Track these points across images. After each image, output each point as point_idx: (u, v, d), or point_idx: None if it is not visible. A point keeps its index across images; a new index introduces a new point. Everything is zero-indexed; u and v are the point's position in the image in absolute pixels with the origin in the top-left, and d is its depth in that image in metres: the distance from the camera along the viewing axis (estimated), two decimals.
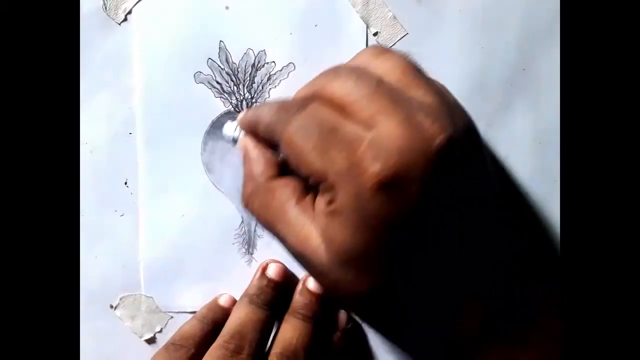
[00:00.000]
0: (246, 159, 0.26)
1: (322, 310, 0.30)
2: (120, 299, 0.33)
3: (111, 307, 0.32)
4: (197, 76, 0.31)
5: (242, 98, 0.31)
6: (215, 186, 0.32)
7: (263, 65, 0.31)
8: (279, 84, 0.31)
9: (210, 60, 0.31)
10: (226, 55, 0.31)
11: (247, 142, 0.26)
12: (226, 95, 0.31)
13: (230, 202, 0.32)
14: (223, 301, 0.31)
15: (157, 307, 0.33)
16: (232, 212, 0.32)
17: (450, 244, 0.22)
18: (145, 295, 0.33)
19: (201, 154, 0.32)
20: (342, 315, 0.31)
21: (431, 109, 0.21)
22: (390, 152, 0.20)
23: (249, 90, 0.31)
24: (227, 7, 0.31)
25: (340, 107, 0.22)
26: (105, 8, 0.30)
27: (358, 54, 0.25)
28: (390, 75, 0.23)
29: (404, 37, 0.31)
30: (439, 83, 0.25)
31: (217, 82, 0.31)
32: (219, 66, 0.31)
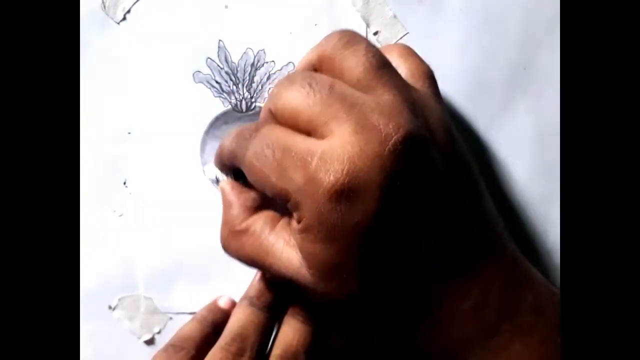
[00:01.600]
0: (223, 203, 0.26)
1: (321, 312, 0.30)
2: (119, 299, 0.32)
3: (110, 308, 0.32)
4: (196, 75, 0.31)
5: (241, 97, 0.31)
6: (215, 186, 0.32)
7: (262, 65, 0.31)
8: None
9: (209, 59, 0.31)
10: (225, 54, 0.31)
11: (223, 186, 0.27)
12: (225, 95, 0.31)
13: None
14: (223, 303, 0.31)
15: (156, 308, 0.33)
16: None
17: (420, 243, 0.22)
18: (144, 296, 0.32)
19: (200, 154, 0.31)
20: None
21: (387, 108, 0.21)
22: (342, 160, 0.20)
23: (249, 89, 0.31)
24: (226, 6, 0.31)
25: (294, 120, 0.22)
26: (104, 7, 0.30)
27: (324, 41, 0.24)
28: (349, 75, 0.22)
29: (405, 36, 0.31)
30: (425, 66, 0.25)
31: (217, 82, 0.31)
32: (218, 65, 0.31)
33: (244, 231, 0.25)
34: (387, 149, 0.20)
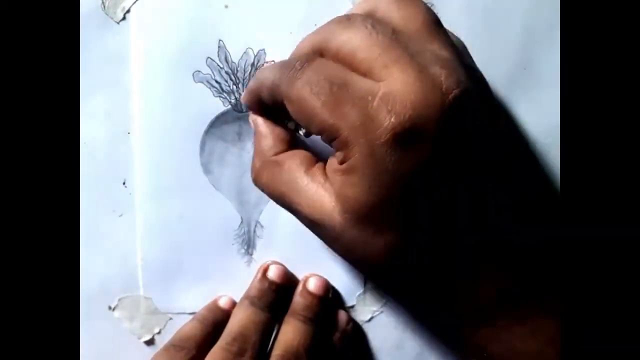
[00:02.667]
0: (255, 134, 0.26)
1: (322, 311, 0.30)
2: (119, 300, 0.32)
3: (110, 308, 0.32)
4: (196, 75, 0.31)
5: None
6: (214, 187, 0.32)
7: (263, 65, 0.31)
8: None
9: (209, 59, 0.31)
10: (225, 54, 0.31)
11: (256, 118, 0.26)
12: (225, 95, 0.31)
13: (230, 203, 0.32)
14: (223, 303, 0.31)
15: (156, 308, 0.33)
16: (231, 213, 0.32)
17: (464, 200, 0.21)
18: (144, 297, 0.32)
19: (200, 154, 0.31)
20: (342, 315, 0.31)
21: (447, 62, 0.21)
22: (405, 104, 0.20)
23: None
24: (226, 6, 0.30)
25: (350, 59, 0.21)
26: (104, 7, 0.30)
27: None
28: (408, 25, 0.22)
29: None
30: (458, 39, 0.25)
31: (216, 82, 0.31)
32: (218, 65, 0.31)
33: (279, 163, 0.24)
34: (447, 100, 0.20)
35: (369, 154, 0.20)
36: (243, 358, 0.27)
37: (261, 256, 0.32)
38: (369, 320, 0.33)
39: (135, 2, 0.30)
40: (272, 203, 0.32)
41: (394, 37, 0.21)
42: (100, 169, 0.31)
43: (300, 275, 0.32)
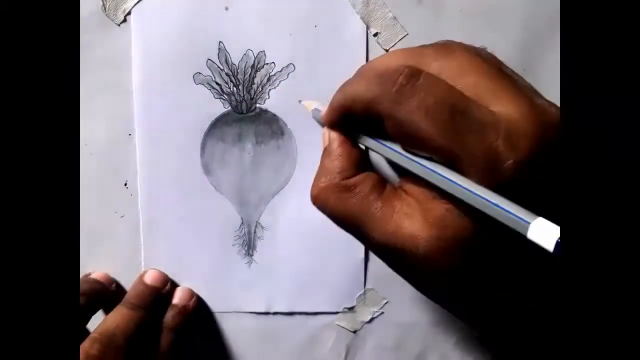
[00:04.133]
0: (326, 151, 0.24)
1: (156, 302, 0.31)
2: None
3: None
4: (197, 77, 0.31)
5: (241, 99, 0.31)
6: (215, 188, 0.32)
7: (263, 66, 0.31)
8: (278, 84, 0.31)
9: (209, 61, 0.31)
10: (226, 56, 0.31)
11: (332, 134, 0.24)
12: (226, 96, 0.31)
13: (230, 204, 0.32)
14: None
15: None
16: (231, 214, 0.32)
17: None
18: None
19: (200, 156, 0.32)
20: (181, 292, 0.32)
21: (538, 93, 0.22)
22: (527, 138, 0.20)
23: (249, 91, 0.31)
24: (226, 8, 0.31)
25: (455, 82, 0.21)
26: (105, 9, 0.30)
27: (443, 45, 0.24)
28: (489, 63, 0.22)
29: (404, 38, 0.31)
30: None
31: (217, 83, 0.31)
32: (219, 67, 0.31)
33: (350, 188, 0.23)
34: (555, 131, 0.21)
35: (487, 185, 0.20)
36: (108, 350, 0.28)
37: (261, 256, 0.32)
38: (369, 320, 0.33)
39: (135, 4, 0.30)
40: (272, 203, 0.32)
41: (501, 68, 0.22)
42: (102, 171, 0.32)
43: (300, 275, 0.32)
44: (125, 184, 0.32)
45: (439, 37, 0.31)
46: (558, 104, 0.31)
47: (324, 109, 0.25)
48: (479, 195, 0.20)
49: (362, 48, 0.31)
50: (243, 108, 0.31)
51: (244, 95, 0.31)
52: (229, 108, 0.31)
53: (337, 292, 0.32)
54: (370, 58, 0.31)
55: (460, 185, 0.20)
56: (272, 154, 0.32)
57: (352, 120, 0.23)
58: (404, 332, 0.33)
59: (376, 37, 0.31)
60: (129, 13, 0.31)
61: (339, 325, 0.33)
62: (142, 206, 0.32)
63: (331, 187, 0.23)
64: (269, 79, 0.31)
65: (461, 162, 0.20)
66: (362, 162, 0.24)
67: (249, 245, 0.32)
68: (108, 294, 0.32)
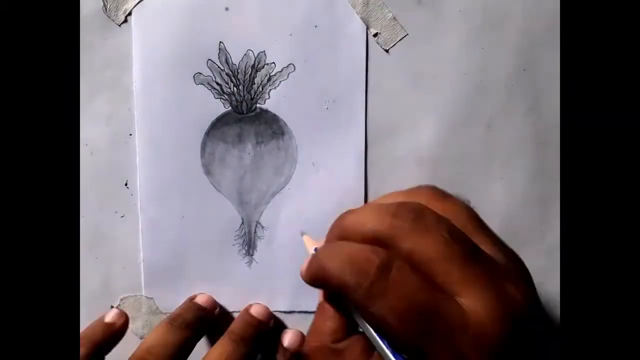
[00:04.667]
0: (320, 309, 0.24)
1: (259, 336, 0.30)
2: (121, 299, 0.33)
3: (112, 308, 0.32)
4: (197, 77, 0.31)
5: (242, 99, 0.31)
6: (215, 187, 0.32)
7: (263, 67, 0.31)
8: (278, 84, 0.31)
9: (210, 61, 0.31)
10: (226, 56, 0.31)
11: (323, 301, 0.25)
12: (226, 97, 0.31)
13: (230, 204, 0.32)
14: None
15: (157, 308, 0.33)
16: (232, 214, 0.32)
17: None
18: (146, 297, 0.33)
19: (201, 156, 0.32)
20: (289, 335, 0.31)
21: (513, 274, 0.21)
22: (493, 338, 0.20)
23: (249, 91, 0.31)
24: (226, 8, 0.31)
25: (425, 268, 0.21)
26: (106, 9, 0.30)
27: (415, 192, 0.24)
28: (456, 221, 0.22)
29: (404, 38, 0.31)
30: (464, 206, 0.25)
31: (217, 83, 0.31)
32: (219, 67, 0.31)
33: (340, 352, 0.23)
34: (524, 322, 0.21)
35: None
36: None
37: (262, 256, 0.32)
38: None
39: (136, 5, 0.31)
40: (272, 203, 0.32)
41: (471, 250, 0.21)
42: (102, 171, 0.32)
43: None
44: (126, 184, 0.32)
45: (439, 37, 0.31)
46: (558, 104, 0.31)
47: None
48: None
49: (362, 48, 0.31)
50: (243, 108, 0.31)
51: (244, 96, 0.31)
52: (229, 108, 0.31)
53: None
54: (370, 58, 0.31)
55: None
56: (272, 154, 0.32)
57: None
58: None
59: (376, 37, 0.31)
60: (129, 13, 0.31)
61: None
62: (142, 206, 0.32)
63: (322, 349, 0.24)
64: (269, 79, 0.31)
65: (427, 356, 0.20)
66: (353, 324, 0.24)
67: (249, 245, 0.32)
68: (212, 320, 0.31)
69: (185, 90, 0.31)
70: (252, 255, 0.32)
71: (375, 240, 0.22)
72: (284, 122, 0.31)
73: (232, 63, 0.31)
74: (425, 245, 0.21)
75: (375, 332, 0.22)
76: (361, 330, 0.23)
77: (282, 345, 0.31)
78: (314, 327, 0.25)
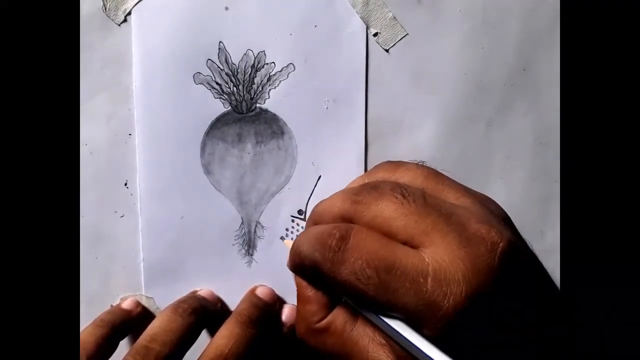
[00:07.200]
0: (299, 297, 0.25)
1: (265, 316, 0.31)
2: (121, 299, 0.33)
3: (112, 307, 0.32)
4: (197, 77, 0.31)
5: (241, 99, 0.31)
6: (215, 187, 0.32)
7: (263, 66, 0.31)
8: (278, 84, 0.31)
9: (209, 61, 0.31)
10: (226, 56, 0.31)
11: (299, 281, 0.25)
12: (226, 96, 0.31)
13: (230, 203, 0.32)
14: (126, 305, 0.32)
15: (157, 307, 0.33)
16: (232, 213, 0.32)
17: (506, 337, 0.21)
18: (146, 296, 0.33)
19: (200, 155, 0.32)
20: (287, 310, 0.32)
21: (480, 215, 0.21)
22: (458, 281, 0.20)
23: (249, 91, 0.31)
24: (226, 8, 0.31)
25: (386, 228, 0.22)
26: (105, 9, 0.30)
27: (373, 171, 0.26)
28: (414, 183, 0.23)
29: (404, 38, 0.31)
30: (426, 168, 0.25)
31: (217, 83, 0.31)
32: (219, 67, 0.31)
33: (325, 329, 0.24)
34: (496, 258, 0.20)
35: (440, 331, 0.20)
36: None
37: (261, 256, 0.32)
38: None
39: (136, 4, 0.30)
40: (272, 203, 0.32)
41: (426, 201, 0.22)
42: (102, 170, 0.32)
43: None
44: (126, 184, 0.32)
45: (439, 37, 0.31)
46: (558, 104, 0.31)
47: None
48: (415, 346, 0.21)
49: (362, 48, 0.31)
50: (243, 108, 0.31)
51: (244, 95, 0.31)
52: (229, 108, 0.31)
53: None
54: (370, 58, 0.31)
55: (404, 337, 0.21)
56: (272, 154, 0.32)
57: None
58: None
59: (376, 37, 0.31)
60: (129, 13, 0.31)
61: None
62: (141, 206, 0.32)
63: (309, 332, 0.25)
64: (269, 79, 0.31)
65: (404, 314, 0.21)
66: (331, 302, 0.25)
67: (249, 245, 0.32)
68: (215, 311, 0.31)
69: (185, 90, 0.31)
70: (252, 255, 0.32)
71: (342, 219, 0.23)
72: (284, 122, 0.31)
73: (232, 63, 0.31)
74: (381, 210, 0.22)
75: (348, 297, 0.23)
76: (344, 300, 0.24)
77: (281, 320, 0.32)
78: (297, 314, 0.26)
